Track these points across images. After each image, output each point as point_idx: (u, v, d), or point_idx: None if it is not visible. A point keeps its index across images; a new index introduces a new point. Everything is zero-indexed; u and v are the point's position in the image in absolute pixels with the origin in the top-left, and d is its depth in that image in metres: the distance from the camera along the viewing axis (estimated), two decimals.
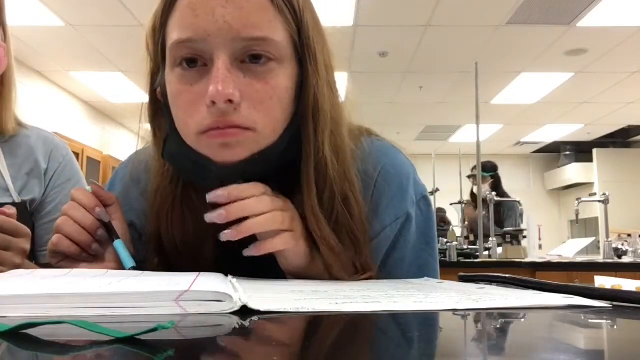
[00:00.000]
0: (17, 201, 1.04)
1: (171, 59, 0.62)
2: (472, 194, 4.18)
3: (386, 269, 0.73)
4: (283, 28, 0.61)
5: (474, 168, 4.18)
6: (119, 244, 0.71)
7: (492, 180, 4.26)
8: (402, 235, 0.72)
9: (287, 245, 0.62)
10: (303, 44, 0.63)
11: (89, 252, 0.70)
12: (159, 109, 0.69)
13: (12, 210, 0.78)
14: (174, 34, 0.61)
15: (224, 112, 0.58)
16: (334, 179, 0.65)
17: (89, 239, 0.69)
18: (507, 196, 4.15)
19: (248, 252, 0.62)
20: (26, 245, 0.79)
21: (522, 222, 3.97)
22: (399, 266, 0.73)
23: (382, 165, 0.72)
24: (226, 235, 0.60)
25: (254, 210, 0.60)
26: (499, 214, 3.99)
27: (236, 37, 0.58)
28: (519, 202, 3.95)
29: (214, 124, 0.59)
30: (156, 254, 0.72)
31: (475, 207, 3.93)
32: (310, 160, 0.63)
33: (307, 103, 0.63)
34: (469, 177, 4.37)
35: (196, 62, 0.61)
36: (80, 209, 0.69)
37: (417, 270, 0.74)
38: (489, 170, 4.29)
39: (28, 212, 1.05)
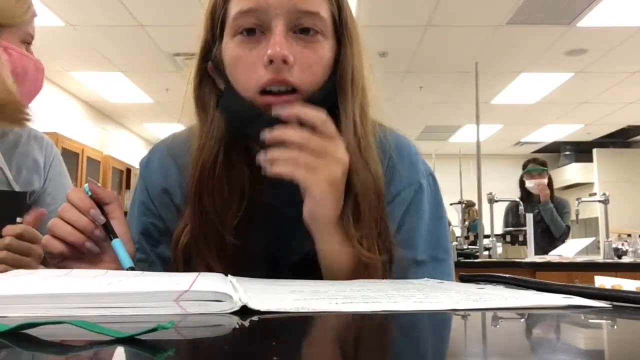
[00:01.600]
0: (17, 190, 1.06)
1: (233, 27, 0.71)
2: (526, 190, 3.99)
3: (401, 234, 0.77)
4: (328, 8, 0.72)
5: (526, 165, 4.05)
6: (117, 244, 0.71)
7: (548, 176, 4.04)
8: (414, 202, 0.79)
9: (292, 173, 0.64)
10: (342, 23, 0.74)
11: (83, 251, 0.70)
12: (204, 80, 0.76)
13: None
14: (237, 7, 0.70)
15: (280, 70, 0.67)
16: (361, 136, 0.73)
17: (82, 238, 0.70)
18: (555, 193, 4.07)
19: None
20: (40, 250, 0.86)
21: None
22: (414, 234, 0.78)
23: (396, 144, 0.81)
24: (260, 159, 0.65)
25: (287, 138, 0.65)
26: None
27: (292, 10, 0.68)
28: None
29: (271, 81, 0.68)
30: (192, 217, 0.73)
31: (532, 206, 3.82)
32: (349, 117, 0.72)
33: (344, 72, 0.73)
34: (525, 173, 4.04)
35: (254, 32, 0.70)
36: (75, 211, 0.71)
37: (436, 241, 0.79)
38: (545, 165, 4.08)
39: (27, 205, 1.07)
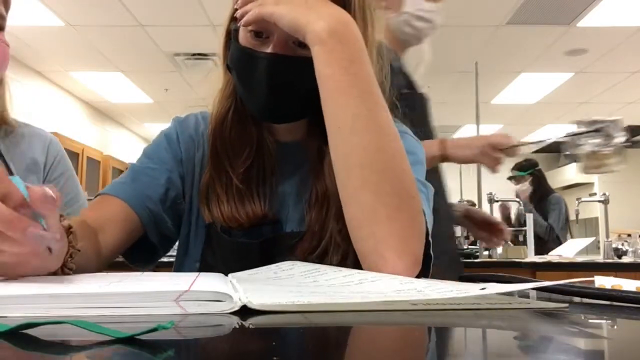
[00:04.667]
0: None
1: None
2: (517, 194, 4.10)
3: None
4: None
5: (514, 168, 4.17)
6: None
7: (531, 178, 4.15)
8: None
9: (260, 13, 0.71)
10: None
11: None
12: (230, 40, 0.82)
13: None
14: None
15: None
16: None
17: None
18: (552, 192, 4.13)
19: None
20: None
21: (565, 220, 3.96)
22: None
23: None
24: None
25: None
26: (541, 209, 3.97)
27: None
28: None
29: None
30: (210, 159, 0.82)
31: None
32: None
33: None
34: (508, 178, 4.25)
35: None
36: None
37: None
38: (526, 168, 4.19)
39: None
